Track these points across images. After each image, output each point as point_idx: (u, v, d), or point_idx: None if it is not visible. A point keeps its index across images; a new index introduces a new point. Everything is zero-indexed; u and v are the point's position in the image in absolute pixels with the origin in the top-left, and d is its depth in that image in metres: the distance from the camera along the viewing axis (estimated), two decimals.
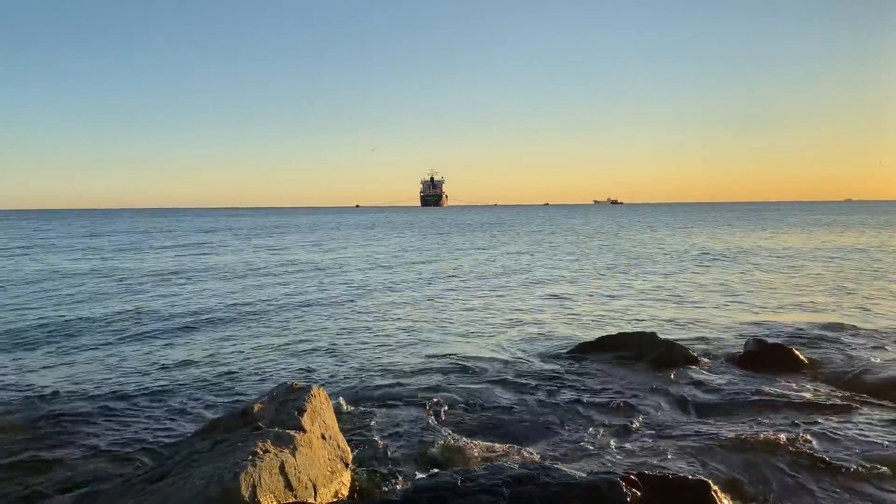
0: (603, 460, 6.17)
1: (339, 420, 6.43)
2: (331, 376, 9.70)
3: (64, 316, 14.58)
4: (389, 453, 6.47)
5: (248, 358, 10.90)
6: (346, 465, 5.85)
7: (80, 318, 14.27)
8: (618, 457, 6.27)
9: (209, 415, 7.70)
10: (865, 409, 7.63)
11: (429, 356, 10.85)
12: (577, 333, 12.72)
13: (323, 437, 5.68)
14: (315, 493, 5.14)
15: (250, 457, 4.82)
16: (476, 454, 6.29)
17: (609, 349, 10.44)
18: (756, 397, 8.22)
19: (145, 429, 7.42)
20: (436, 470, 5.88)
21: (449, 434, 6.93)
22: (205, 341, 12.19)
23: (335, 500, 5.35)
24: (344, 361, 10.60)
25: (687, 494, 4.55)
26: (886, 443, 6.56)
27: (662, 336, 10.75)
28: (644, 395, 8.37)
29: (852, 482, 5.69)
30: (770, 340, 10.40)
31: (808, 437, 6.72)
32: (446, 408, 7.96)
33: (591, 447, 6.53)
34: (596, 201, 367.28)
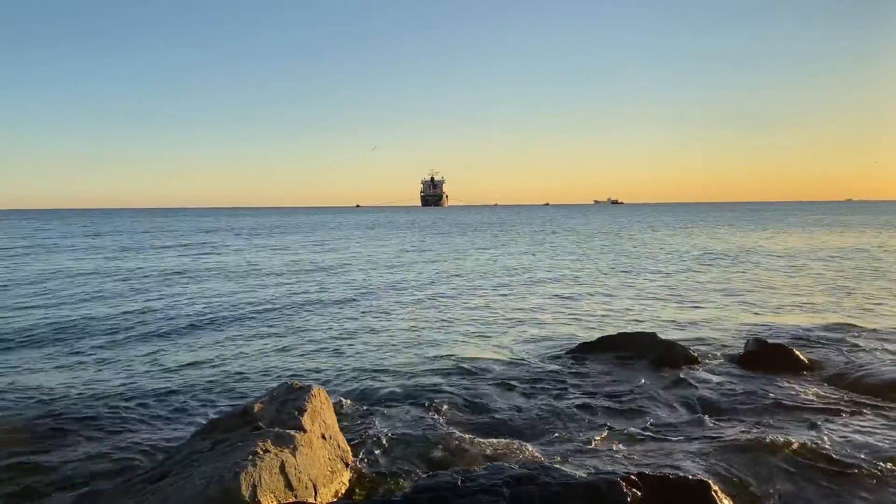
0: (603, 460, 6.17)
1: (339, 420, 6.43)
2: (331, 376, 9.70)
3: (66, 316, 14.58)
4: (390, 453, 6.47)
5: (249, 358, 10.90)
6: (347, 465, 5.85)
7: (82, 319, 14.27)
8: (618, 457, 6.26)
9: (209, 415, 7.70)
10: (866, 410, 7.63)
11: (429, 356, 10.84)
12: (577, 333, 12.72)
13: (323, 436, 5.68)
14: (315, 492, 5.14)
15: (250, 457, 4.83)
16: (476, 454, 6.29)
17: (609, 349, 10.44)
18: (756, 398, 8.22)
19: (146, 429, 7.43)
20: (436, 470, 5.89)
21: (449, 434, 6.92)
22: (205, 341, 12.19)
23: (335, 499, 5.35)
24: (344, 361, 10.61)
25: (687, 494, 4.55)
26: (887, 444, 6.56)
27: (663, 336, 10.75)
28: (644, 396, 8.37)
29: (853, 482, 5.69)
30: (770, 341, 10.40)
31: (809, 437, 6.72)
32: (447, 407, 7.96)
33: (592, 447, 6.53)
34: (596, 201, 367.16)
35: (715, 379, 9.11)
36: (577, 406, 8.05)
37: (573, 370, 9.78)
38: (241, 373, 9.92)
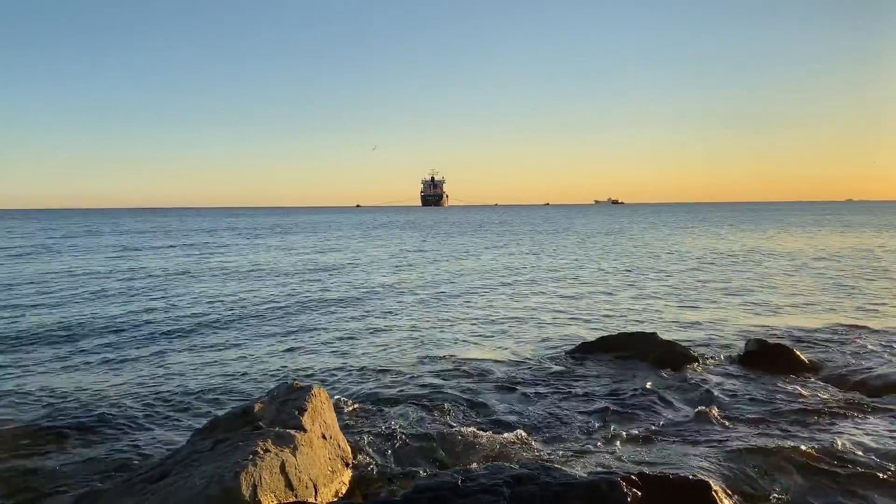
0: (603, 460, 6.17)
1: (339, 420, 6.43)
2: (332, 376, 9.70)
3: (67, 316, 14.59)
4: (390, 453, 6.46)
5: (249, 358, 10.90)
6: (347, 465, 5.85)
7: (83, 319, 14.27)
8: (618, 456, 6.26)
9: (209, 414, 7.70)
10: (867, 411, 7.62)
11: (430, 356, 10.84)
12: (578, 333, 12.72)
13: (323, 436, 5.68)
14: (316, 492, 5.14)
15: (251, 456, 4.83)
16: (477, 454, 6.29)
17: (610, 349, 10.44)
18: (757, 398, 8.23)
19: (146, 428, 7.43)
20: (437, 469, 5.89)
21: (450, 433, 6.92)
22: (205, 341, 12.19)
23: (336, 499, 5.35)
24: (345, 361, 10.61)
25: (687, 494, 4.55)
26: (889, 445, 6.55)
27: (663, 336, 10.75)
28: (644, 396, 8.37)
29: (854, 483, 5.68)
30: (771, 341, 10.40)
31: (809, 437, 6.72)
32: (447, 407, 7.96)
33: (592, 447, 6.53)
34: (597, 201, 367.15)
35: (715, 379, 9.11)
36: (578, 406, 8.05)
37: (574, 370, 9.78)
38: (241, 373, 9.92)
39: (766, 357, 9.69)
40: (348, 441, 6.19)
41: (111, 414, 7.89)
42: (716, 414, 7.53)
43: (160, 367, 10.27)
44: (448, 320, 14.43)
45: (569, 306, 16.28)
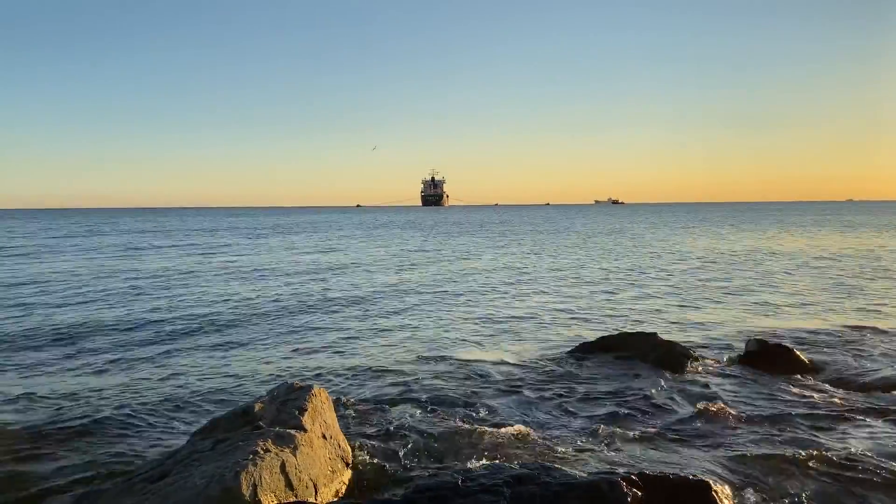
0: (604, 460, 6.17)
1: (340, 419, 6.43)
2: (332, 376, 9.70)
3: (69, 317, 14.59)
4: (390, 453, 6.46)
5: (250, 357, 10.91)
6: (347, 465, 5.85)
7: (84, 319, 14.28)
8: (618, 456, 6.26)
9: (209, 414, 7.70)
10: (868, 411, 7.61)
11: (431, 356, 10.84)
12: (578, 333, 12.72)
13: (324, 436, 5.68)
14: (316, 492, 5.14)
15: (251, 456, 4.83)
16: (477, 454, 6.29)
17: (610, 349, 10.43)
18: (756, 398, 8.22)
19: (146, 428, 7.43)
20: (437, 469, 5.89)
21: (450, 433, 6.92)
22: (206, 341, 12.19)
23: (336, 499, 5.35)
24: (346, 361, 10.61)
25: (688, 494, 4.54)
26: (888, 446, 6.55)
27: (664, 336, 10.75)
28: (645, 395, 8.36)
29: (853, 483, 5.68)
30: (771, 341, 10.39)
31: (810, 437, 6.72)
32: (447, 407, 7.96)
33: (592, 447, 6.53)
34: (597, 201, 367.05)
35: (715, 379, 9.10)
36: (578, 406, 8.05)
37: (574, 370, 9.77)
38: (241, 372, 9.92)
39: (766, 357, 9.68)
40: (349, 441, 6.19)
41: (111, 414, 7.89)
42: (716, 414, 7.53)
43: (160, 366, 10.27)
44: (449, 320, 14.43)
45: (569, 306, 16.28)
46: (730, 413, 7.57)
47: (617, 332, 11.30)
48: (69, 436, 7.10)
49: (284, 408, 5.76)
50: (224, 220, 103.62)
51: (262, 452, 4.91)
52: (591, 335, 11.96)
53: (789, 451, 6.31)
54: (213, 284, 20.62)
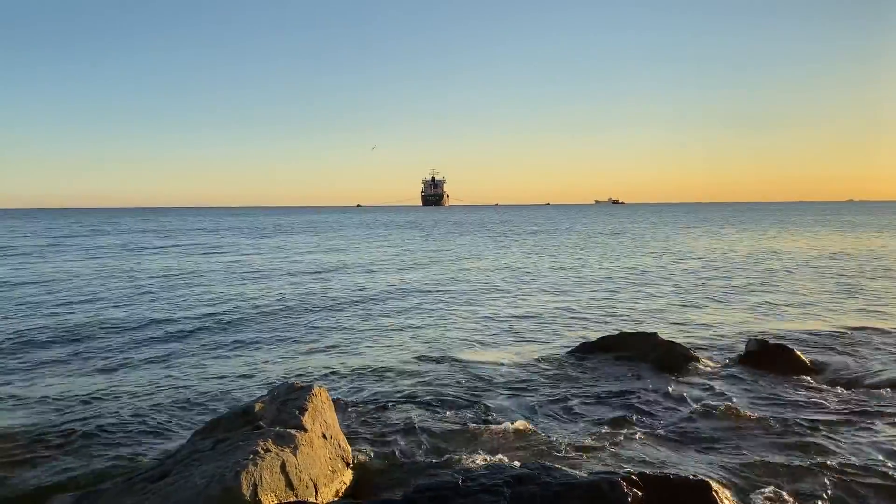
0: (604, 460, 6.17)
1: (340, 419, 6.43)
2: (333, 376, 9.70)
3: (70, 317, 14.60)
4: (391, 452, 6.46)
5: (251, 357, 10.91)
6: (348, 465, 5.85)
7: (86, 320, 14.28)
8: (619, 456, 6.26)
9: (210, 414, 7.70)
10: (868, 412, 7.61)
11: (431, 356, 10.84)
12: (579, 333, 12.72)
13: (324, 436, 5.68)
14: (316, 492, 5.14)
15: (251, 456, 4.83)
16: (477, 453, 6.29)
17: (611, 349, 10.43)
18: (756, 398, 8.22)
19: (146, 428, 7.43)
20: (437, 469, 5.89)
21: (450, 433, 6.92)
22: (207, 341, 12.19)
23: (336, 499, 5.35)
24: (346, 361, 10.61)
25: (688, 494, 4.54)
26: (888, 446, 6.55)
27: (664, 336, 10.74)
28: (645, 395, 8.37)
29: (854, 483, 5.68)
30: (772, 341, 10.38)
31: (810, 437, 6.71)
32: (448, 407, 7.96)
33: (592, 447, 6.52)
34: (597, 201, 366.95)
35: (716, 379, 9.10)
36: (578, 406, 8.05)
37: (574, 370, 9.77)
38: (242, 372, 9.92)
39: (766, 357, 9.67)
40: (349, 440, 6.19)
41: (112, 413, 7.90)
42: (716, 414, 7.53)
43: (161, 366, 10.27)
44: (449, 320, 14.43)
45: (570, 306, 16.27)
46: (730, 413, 7.57)
47: (617, 333, 11.30)
48: (70, 435, 7.10)
49: (285, 407, 5.76)
50: (225, 219, 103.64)
51: (262, 452, 4.91)
52: (591, 335, 11.96)
53: (790, 452, 6.32)
54: (214, 284, 20.63)
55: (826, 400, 8.06)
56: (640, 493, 4.41)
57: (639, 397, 8.30)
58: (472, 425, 7.28)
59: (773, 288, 19.12)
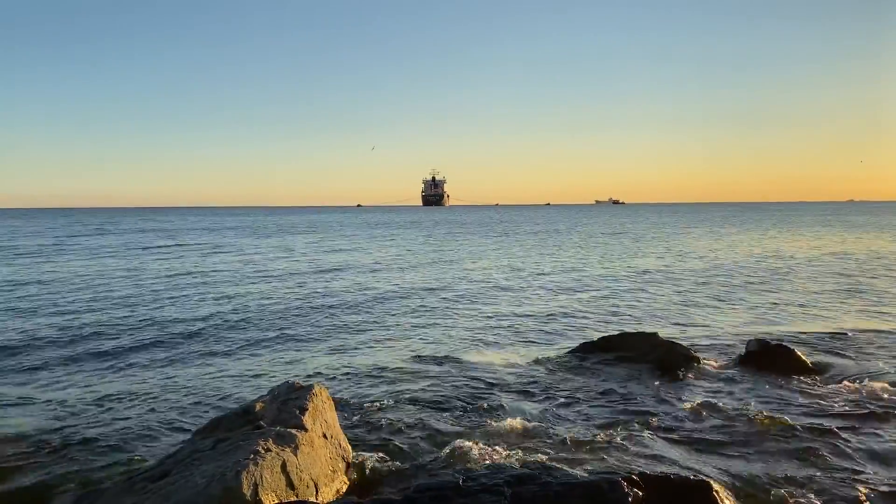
0: (604, 460, 6.17)
1: (340, 419, 6.43)
2: (333, 375, 9.70)
3: (73, 317, 14.61)
4: (391, 452, 6.46)
5: (252, 357, 10.92)
6: (348, 464, 5.85)
7: (87, 320, 14.30)
8: (619, 456, 6.26)
9: (210, 413, 7.70)
10: (869, 413, 7.60)
11: (431, 356, 10.84)
12: (579, 333, 12.72)
13: (324, 435, 5.68)
14: (317, 491, 5.14)
15: (252, 455, 4.83)
16: (477, 453, 6.29)
17: (611, 349, 10.43)
18: (757, 398, 8.21)
19: (147, 428, 7.43)
20: (438, 469, 5.89)
21: (450, 433, 6.92)
22: (209, 341, 12.20)
23: (337, 498, 5.35)
24: (347, 361, 10.61)
25: (689, 494, 4.54)
26: (888, 447, 6.54)
27: (664, 336, 10.74)
28: (645, 395, 8.37)
29: (855, 484, 5.68)
30: (772, 341, 10.37)
31: (810, 438, 6.71)
32: (448, 406, 7.96)
33: (593, 447, 6.52)
34: (598, 201, 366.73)
35: (716, 380, 9.10)
36: (578, 406, 8.05)
37: (575, 370, 9.77)
38: (243, 372, 9.93)
39: (767, 358, 9.66)
40: (350, 440, 6.19)
41: (112, 413, 7.91)
42: (716, 414, 7.52)
43: (162, 367, 10.28)
44: (450, 320, 14.43)
45: (570, 306, 16.27)
46: (730, 413, 7.57)
47: (618, 333, 11.29)
48: (70, 435, 7.11)
49: (285, 407, 5.76)
50: (225, 219, 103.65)
51: (262, 452, 4.91)
52: (592, 335, 11.96)
53: (790, 452, 6.31)
54: (215, 285, 20.64)
55: (827, 400, 8.06)
56: (640, 493, 4.40)
57: (639, 397, 8.30)
58: (472, 425, 7.28)
59: (773, 288, 19.11)
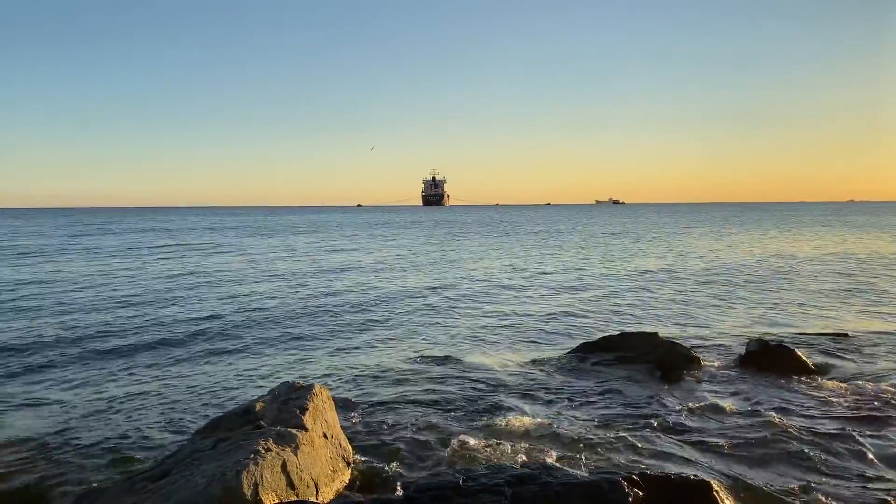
0: (604, 460, 6.17)
1: (341, 418, 6.43)
2: (333, 375, 9.70)
3: (74, 317, 14.62)
4: (391, 452, 6.46)
5: (252, 357, 10.92)
6: (348, 464, 5.85)
7: (89, 321, 14.30)
8: (619, 456, 6.26)
9: (211, 413, 7.70)
10: (868, 413, 7.60)
11: (432, 356, 10.84)
12: (579, 333, 12.71)
13: (325, 435, 5.68)
14: (317, 491, 5.14)
15: (252, 455, 4.83)
16: (478, 453, 6.29)
17: (611, 349, 10.42)
18: (757, 398, 8.21)
19: (147, 427, 7.43)
20: (438, 469, 5.89)
21: (451, 433, 6.92)
22: (209, 341, 12.20)
23: (337, 498, 5.35)
24: (348, 361, 10.61)
25: (689, 494, 4.54)
26: (890, 448, 6.54)
27: (665, 336, 10.74)
28: (645, 395, 8.36)
29: (856, 484, 5.68)
30: (773, 342, 10.37)
31: (810, 438, 6.71)
32: (449, 406, 7.96)
33: (593, 447, 6.52)
34: (598, 201, 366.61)
35: (716, 379, 9.10)
36: (579, 405, 8.04)
37: (575, 370, 9.77)
38: (243, 372, 9.93)
39: (767, 358, 9.66)
40: (350, 440, 6.19)
41: (113, 413, 7.91)
42: (716, 414, 7.52)
43: (162, 366, 10.28)
44: (451, 320, 14.43)
45: (571, 306, 16.27)
46: (731, 414, 7.57)
47: (618, 332, 11.29)
48: (71, 435, 7.12)
49: (286, 407, 5.76)
50: (226, 219, 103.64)
51: (263, 451, 4.91)
52: (592, 335, 11.96)
53: (791, 453, 6.31)
54: (216, 285, 20.64)
55: (827, 401, 8.05)
56: (640, 493, 4.40)
57: (639, 397, 8.30)
58: (473, 425, 7.28)
59: (774, 288, 19.10)
